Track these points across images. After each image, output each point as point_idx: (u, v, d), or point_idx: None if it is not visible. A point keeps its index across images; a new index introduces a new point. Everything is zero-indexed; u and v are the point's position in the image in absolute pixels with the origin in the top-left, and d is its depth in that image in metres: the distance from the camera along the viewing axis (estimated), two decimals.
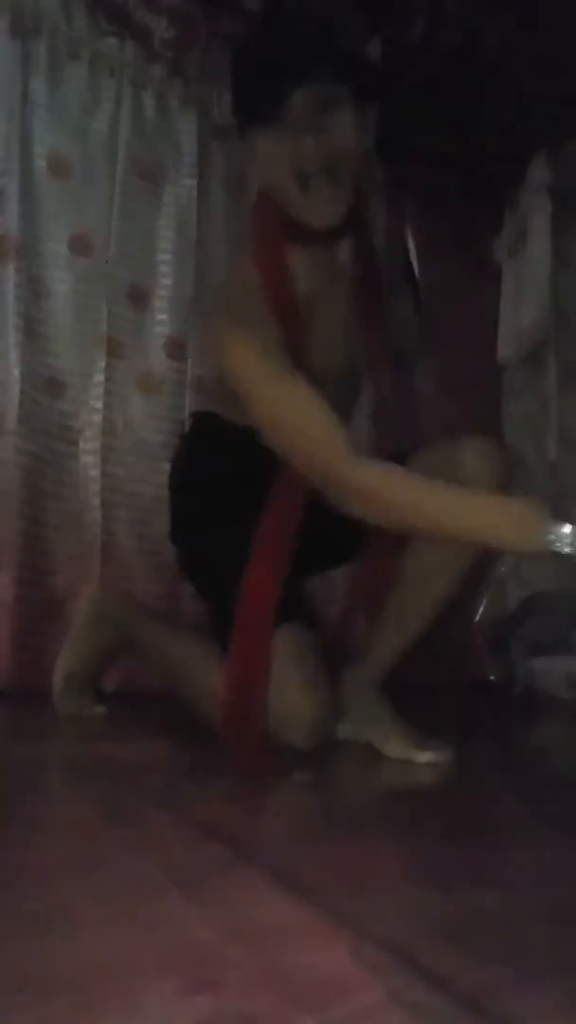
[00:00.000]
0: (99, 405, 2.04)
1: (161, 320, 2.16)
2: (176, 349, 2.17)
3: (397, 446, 1.34)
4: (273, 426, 1.15)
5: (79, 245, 2.04)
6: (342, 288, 1.26)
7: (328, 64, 1.07)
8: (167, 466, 2.19)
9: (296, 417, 1.12)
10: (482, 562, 1.29)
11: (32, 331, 1.96)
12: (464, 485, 1.11)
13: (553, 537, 0.99)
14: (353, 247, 1.25)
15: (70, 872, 0.67)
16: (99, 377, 2.04)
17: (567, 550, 1.00)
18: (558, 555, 1.02)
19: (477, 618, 2.76)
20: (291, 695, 1.21)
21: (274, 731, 1.21)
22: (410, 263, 2.67)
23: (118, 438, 2.06)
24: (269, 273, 1.18)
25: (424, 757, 1.20)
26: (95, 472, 2.02)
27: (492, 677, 2.57)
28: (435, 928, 0.56)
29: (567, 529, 1.00)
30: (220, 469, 1.37)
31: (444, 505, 1.05)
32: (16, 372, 1.90)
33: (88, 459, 2.02)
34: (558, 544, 1.00)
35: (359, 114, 1.13)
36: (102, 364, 2.05)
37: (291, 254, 1.20)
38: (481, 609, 2.78)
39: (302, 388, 1.11)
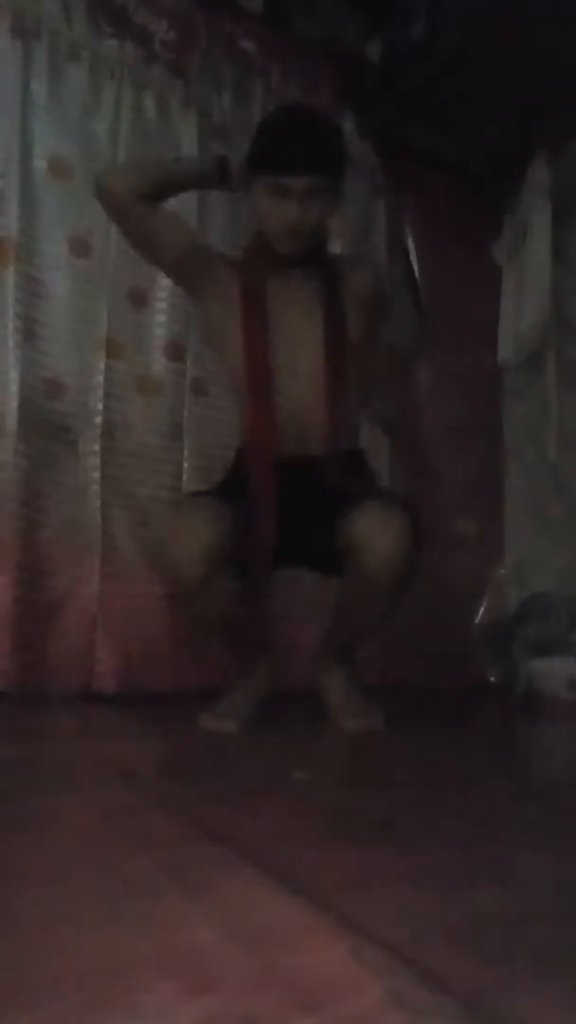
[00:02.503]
0: (99, 407, 2.04)
1: (160, 322, 2.16)
2: (176, 351, 2.17)
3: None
4: None
5: (79, 246, 2.04)
6: (307, 301, 1.59)
7: (317, 162, 1.45)
8: (166, 468, 2.20)
9: None
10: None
11: (32, 332, 1.95)
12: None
13: None
14: (317, 273, 1.60)
15: (69, 872, 0.67)
16: (99, 379, 2.04)
17: None
18: None
19: (477, 620, 2.76)
20: (175, 521, 1.45)
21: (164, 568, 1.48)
22: (410, 264, 2.67)
23: (117, 440, 2.06)
24: (249, 274, 1.58)
25: (357, 724, 1.53)
26: (95, 474, 2.02)
27: (493, 679, 2.57)
28: (435, 928, 0.56)
29: None
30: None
31: None
32: (15, 373, 1.90)
33: (88, 461, 2.02)
34: None
35: (331, 196, 1.51)
36: (101, 366, 2.04)
37: (268, 270, 1.58)
38: (481, 611, 2.78)
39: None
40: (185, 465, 2.17)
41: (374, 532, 1.40)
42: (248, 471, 1.56)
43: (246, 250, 1.63)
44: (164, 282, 2.17)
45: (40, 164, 2.00)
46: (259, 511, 1.50)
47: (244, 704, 1.57)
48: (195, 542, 1.38)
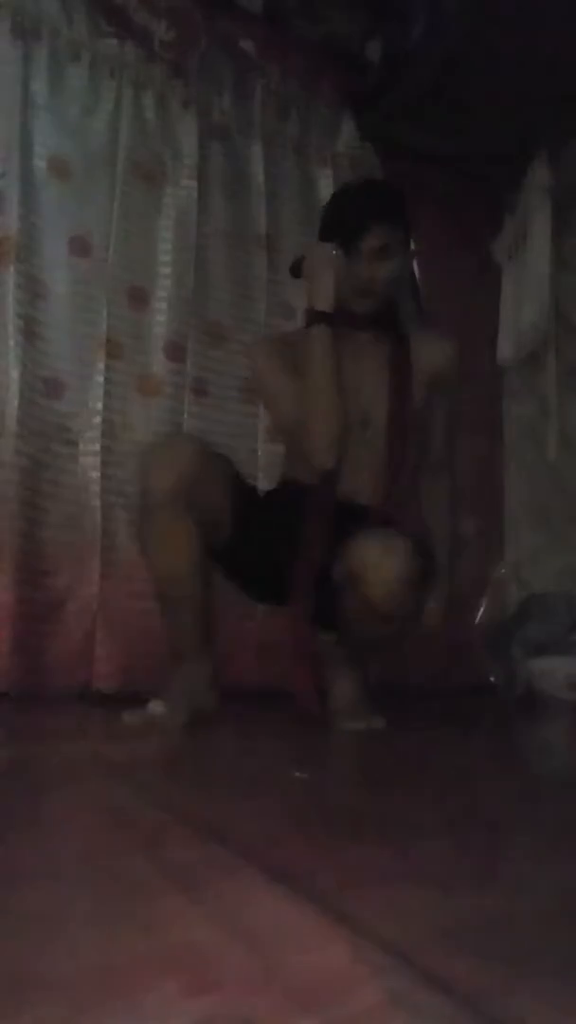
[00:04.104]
0: (99, 406, 2.04)
1: (160, 321, 2.16)
2: (175, 350, 2.17)
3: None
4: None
5: (79, 246, 2.04)
6: (375, 362, 1.62)
7: (391, 219, 1.54)
8: None
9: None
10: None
11: (32, 332, 1.96)
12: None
13: None
14: (387, 338, 1.64)
15: (69, 872, 0.67)
16: (98, 378, 2.05)
17: None
18: None
19: (477, 620, 2.76)
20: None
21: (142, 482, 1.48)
22: (410, 264, 2.67)
23: (117, 440, 2.06)
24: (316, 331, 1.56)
25: (357, 724, 1.53)
26: (95, 473, 2.02)
27: (492, 678, 2.57)
28: (435, 928, 0.56)
29: None
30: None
31: None
32: (15, 373, 1.91)
33: (87, 460, 2.03)
34: None
35: (399, 256, 1.57)
36: (101, 365, 2.05)
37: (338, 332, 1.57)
38: (481, 611, 2.78)
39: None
40: None
41: (375, 559, 1.37)
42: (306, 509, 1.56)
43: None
44: (164, 282, 2.17)
45: (40, 164, 2.00)
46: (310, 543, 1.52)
47: (184, 694, 1.50)
48: (174, 469, 1.43)
